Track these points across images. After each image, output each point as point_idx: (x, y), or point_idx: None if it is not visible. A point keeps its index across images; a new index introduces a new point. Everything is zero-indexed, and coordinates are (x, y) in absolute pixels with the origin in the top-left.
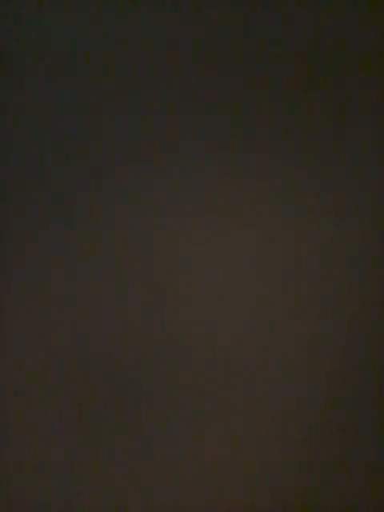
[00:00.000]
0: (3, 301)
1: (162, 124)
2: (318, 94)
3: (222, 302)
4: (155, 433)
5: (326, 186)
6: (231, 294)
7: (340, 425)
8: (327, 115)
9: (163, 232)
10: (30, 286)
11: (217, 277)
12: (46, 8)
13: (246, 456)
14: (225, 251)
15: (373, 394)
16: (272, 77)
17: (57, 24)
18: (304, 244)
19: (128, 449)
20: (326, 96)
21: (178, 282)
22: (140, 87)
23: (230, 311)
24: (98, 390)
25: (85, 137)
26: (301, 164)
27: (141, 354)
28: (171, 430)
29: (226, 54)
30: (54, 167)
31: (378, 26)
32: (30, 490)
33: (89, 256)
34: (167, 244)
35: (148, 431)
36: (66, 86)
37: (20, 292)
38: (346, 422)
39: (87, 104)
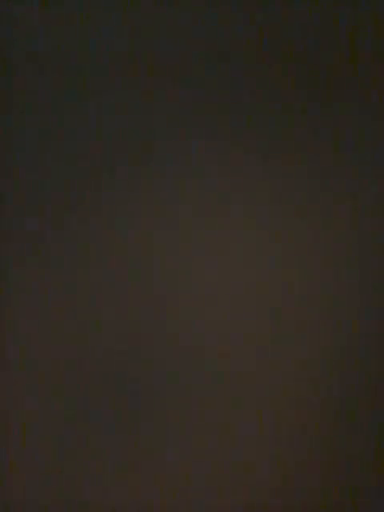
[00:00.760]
0: (3, 301)
1: (162, 124)
2: (318, 94)
3: (222, 302)
4: (155, 433)
5: (327, 186)
6: (231, 294)
7: (340, 425)
8: (327, 115)
9: (163, 232)
10: (30, 285)
11: (217, 277)
12: (47, 8)
13: (246, 456)
14: (225, 251)
15: (373, 394)
16: (272, 77)
17: (57, 24)
18: (304, 244)
19: (128, 449)
20: (326, 96)
21: (179, 282)
22: (140, 87)
23: (231, 311)
24: (98, 390)
25: (85, 137)
26: (301, 164)
27: (141, 354)
28: (171, 430)
29: (226, 54)
30: (53, 168)
31: (378, 25)
32: (29, 489)
33: (89, 256)
34: (167, 244)
35: (148, 431)
36: (66, 86)
37: (20, 292)
38: (346, 422)
39: (87, 104)
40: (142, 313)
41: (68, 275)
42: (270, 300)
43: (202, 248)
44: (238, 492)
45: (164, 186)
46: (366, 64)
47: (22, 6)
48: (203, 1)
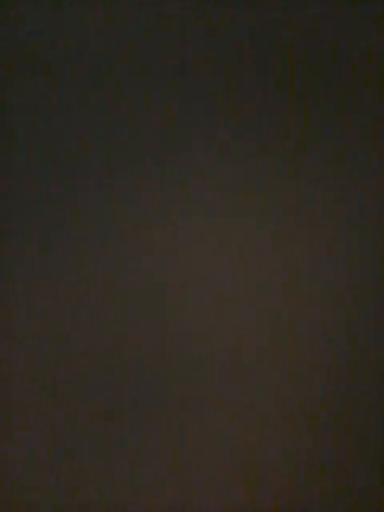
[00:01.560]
0: (4, 301)
1: (162, 124)
2: (318, 93)
3: (222, 302)
4: (155, 432)
5: (327, 186)
6: (232, 294)
7: (340, 425)
8: (328, 115)
9: (163, 232)
10: (30, 285)
11: (217, 277)
12: (47, 8)
13: (246, 456)
14: (225, 251)
15: (373, 394)
16: (272, 77)
17: (57, 23)
18: (304, 244)
19: (128, 448)
20: (326, 96)
21: (179, 282)
22: (141, 87)
23: (231, 311)
24: (98, 389)
25: (85, 137)
26: (301, 164)
27: (141, 354)
28: (171, 430)
29: (226, 54)
30: (53, 168)
31: (378, 25)
32: (29, 490)
33: (89, 256)
34: (167, 244)
35: (148, 431)
36: (66, 86)
37: (20, 292)
38: (346, 422)
39: (88, 104)
40: (142, 312)
41: (68, 275)
42: (271, 300)
43: (202, 248)
44: (238, 492)
45: (164, 186)
46: (366, 64)
47: (22, 6)
48: (203, 1)
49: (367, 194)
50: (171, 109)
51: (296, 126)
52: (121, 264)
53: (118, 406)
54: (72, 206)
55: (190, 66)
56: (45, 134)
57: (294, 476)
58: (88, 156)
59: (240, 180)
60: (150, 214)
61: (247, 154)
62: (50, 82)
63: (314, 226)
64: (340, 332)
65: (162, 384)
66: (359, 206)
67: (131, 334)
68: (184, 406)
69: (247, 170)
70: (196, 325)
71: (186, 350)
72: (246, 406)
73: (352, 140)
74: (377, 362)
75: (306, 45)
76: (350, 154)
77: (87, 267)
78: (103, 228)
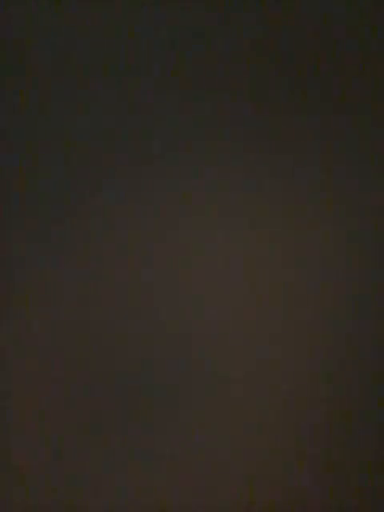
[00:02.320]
0: (4, 301)
1: (162, 124)
2: (318, 93)
3: (222, 302)
4: (155, 432)
5: (327, 186)
6: (232, 294)
7: (340, 424)
8: (328, 115)
9: (163, 232)
10: (30, 285)
11: (217, 277)
12: (47, 8)
13: (246, 456)
14: (225, 251)
15: (373, 395)
16: (271, 77)
17: (57, 23)
18: (304, 244)
19: (128, 449)
20: (326, 96)
21: (179, 282)
22: (141, 87)
23: (231, 311)
24: (98, 389)
25: (85, 137)
26: (301, 164)
27: (141, 354)
28: (171, 430)
29: (226, 54)
30: (53, 168)
31: (378, 26)
32: (29, 490)
33: (89, 256)
34: (168, 244)
35: (148, 431)
36: (66, 86)
37: (20, 292)
38: (346, 423)
39: (88, 104)
40: (142, 312)
41: (68, 275)
42: (270, 300)
43: (202, 248)
44: (238, 492)
45: (164, 186)
46: (366, 64)
47: (22, 6)
48: (203, 0)
49: (367, 193)
50: (171, 109)
51: (296, 125)
52: (121, 264)
53: (117, 405)
54: (72, 206)
55: (191, 66)
56: (45, 134)
57: (294, 476)
58: (88, 156)
59: (240, 180)
60: (150, 214)
61: (247, 155)
62: (50, 82)
63: (314, 226)
64: (341, 332)
65: (162, 384)
66: (359, 206)
67: (131, 334)
68: (184, 406)
69: (247, 171)
70: (196, 325)
71: (186, 350)
72: (247, 405)
73: (352, 140)
74: (377, 362)
75: (306, 44)
76: (350, 154)
77: (87, 267)
78: (103, 228)
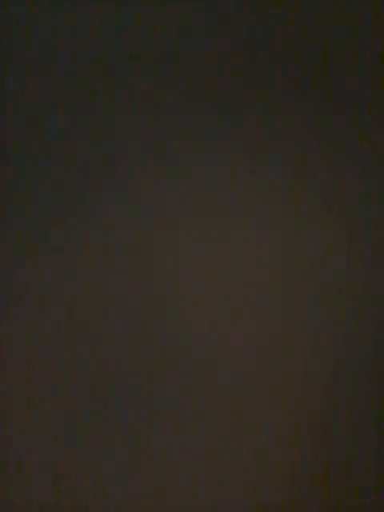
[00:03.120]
0: (4, 301)
1: (162, 124)
2: (318, 93)
3: (222, 303)
4: (155, 433)
5: (327, 186)
6: (231, 295)
7: (340, 424)
8: (327, 115)
9: (163, 232)
10: (30, 285)
11: (217, 277)
12: (47, 8)
13: (245, 456)
14: (225, 252)
15: (372, 395)
16: (272, 76)
17: (57, 23)
18: (304, 244)
19: (128, 449)
20: (326, 96)
21: (179, 283)
22: (141, 87)
23: (231, 312)
24: (98, 389)
25: (85, 137)
26: (301, 164)
27: (141, 354)
28: (171, 431)
29: (226, 54)
30: (53, 168)
31: (378, 26)
32: (29, 490)
33: (89, 256)
34: (168, 244)
35: (148, 431)
36: (66, 86)
37: (20, 292)
38: (346, 423)
39: (88, 104)
40: (142, 312)
41: (67, 276)
42: (270, 300)
43: (202, 248)
44: (238, 492)
45: (164, 186)
46: (366, 64)
47: (22, 6)
48: (203, 0)
49: (367, 193)
50: (171, 109)
51: (296, 125)
52: (121, 264)
53: (117, 406)
54: (72, 206)
55: (191, 66)
56: (45, 134)
57: (294, 476)
58: (87, 156)
59: (240, 180)
60: (150, 214)
61: (247, 155)
62: (50, 82)
63: (314, 226)
64: (340, 331)
65: (162, 384)
66: (359, 206)
67: (131, 334)
68: (184, 407)
69: (247, 171)
70: (196, 325)
71: (186, 350)
72: (246, 406)
73: (352, 140)
74: (377, 362)
75: (306, 44)
76: (350, 154)
77: (87, 267)
78: (103, 228)
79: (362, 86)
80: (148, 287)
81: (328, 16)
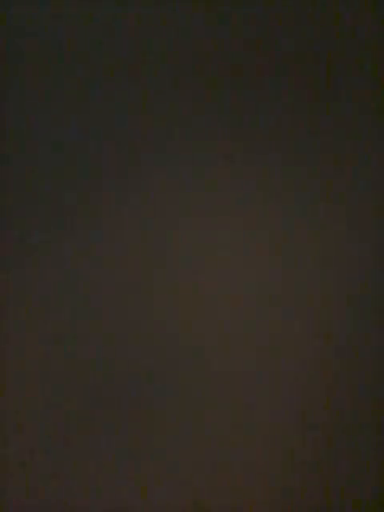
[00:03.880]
0: (3, 301)
1: (162, 124)
2: (318, 93)
3: (222, 302)
4: (155, 433)
5: (327, 187)
6: (231, 295)
7: (340, 424)
8: (328, 115)
9: (163, 232)
10: (30, 285)
11: (217, 277)
12: (47, 8)
13: (245, 456)
14: (225, 251)
15: (374, 394)
16: (272, 77)
17: (57, 23)
18: (304, 244)
19: (128, 449)
20: (326, 96)
21: (178, 282)
22: (141, 87)
23: (231, 311)
24: (98, 389)
25: (85, 137)
26: (301, 164)
27: (141, 354)
28: (171, 431)
29: (226, 54)
30: (54, 168)
31: (378, 25)
32: (29, 490)
33: (89, 256)
34: (167, 244)
35: (148, 431)
36: (66, 86)
37: (19, 292)
38: (346, 422)
39: (88, 104)
40: (142, 312)
41: (67, 276)
42: (270, 300)
43: (202, 248)
44: (237, 492)
45: (164, 186)
46: (366, 64)
47: (22, 6)
48: (203, 0)
49: (367, 194)
50: (171, 109)
51: (296, 126)
52: (120, 264)
53: (118, 406)
54: (72, 206)
55: (191, 67)
56: (45, 134)
57: (294, 476)
58: (87, 156)
59: (240, 180)
60: (149, 214)
61: (247, 155)
62: (50, 82)
63: (314, 226)
64: (341, 332)
65: (161, 384)
66: (359, 205)
67: (131, 334)
68: (184, 407)
69: (247, 171)
70: (196, 325)
71: (186, 350)
72: (246, 406)
73: (352, 139)
74: (377, 362)
75: (306, 44)
76: (350, 154)
77: (87, 267)
78: (103, 228)
79: (363, 86)
80: (148, 287)
81: (328, 16)
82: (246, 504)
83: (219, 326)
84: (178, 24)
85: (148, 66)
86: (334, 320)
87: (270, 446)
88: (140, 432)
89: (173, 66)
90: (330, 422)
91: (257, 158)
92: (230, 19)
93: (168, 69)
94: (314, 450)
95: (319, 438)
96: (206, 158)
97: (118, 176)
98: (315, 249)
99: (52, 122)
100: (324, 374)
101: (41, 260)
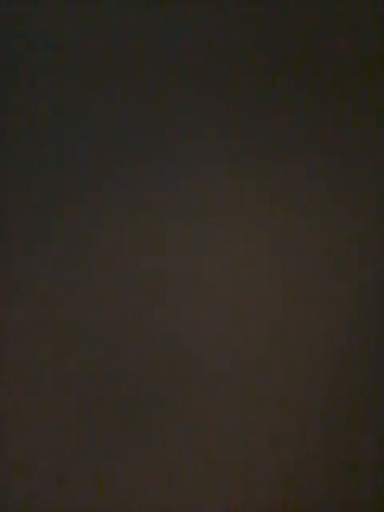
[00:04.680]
0: (4, 300)
1: (162, 124)
2: (318, 93)
3: (222, 302)
4: (155, 433)
5: (327, 186)
6: (231, 294)
7: (340, 424)
8: (328, 115)
9: (163, 232)
10: (29, 285)
11: (217, 277)
12: (47, 8)
13: (246, 456)
14: (225, 251)
15: (374, 394)
16: (272, 77)
17: (57, 23)
18: (304, 244)
19: (128, 449)
20: (327, 96)
21: (179, 282)
22: (141, 87)
23: (231, 311)
24: (99, 390)
25: (85, 136)
26: (301, 164)
27: (141, 354)
28: (171, 431)
29: (225, 54)
30: (54, 168)
31: (378, 25)
32: (29, 490)
33: (89, 256)
34: (167, 244)
35: (148, 431)
36: (66, 86)
37: (19, 292)
38: (346, 422)
39: (87, 104)
40: (142, 312)
41: (67, 276)
42: (270, 300)
43: (202, 248)
44: (237, 492)
45: (164, 186)
46: (366, 64)
47: (22, 6)
48: (204, 0)
49: (367, 193)
50: (170, 108)
51: (295, 125)
52: (120, 264)
53: (118, 406)
54: (71, 206)
55: (189, 66)
56: (45, 134)
57: (294, 476)
58: (87, 156)
59: (240, 180)
60: (149, 214)
61: (247, 155)
62: (50, 82)
63: (314, 226)
64: (340, 332)
65: (162, 385)
66: (359, 205)
67: (131, 335)
68: (184, 407)
69: (247, 171)
70: (196, 325)
71: (186, 350)
72: (247, 406)
73: (352, 140)
74: (377, 362)
75: (306, 44)
76: (350, 154)
77: (87, 267)
78: (103, 228)
79: (363, 86)
80: (148, 286)
81: (328, 16)
82: (246, 504)
83: (219, 326)
84: (178, 24)
85: (148, 65)
86: (334, 320)
87: (270, 445)
88: (140, 432)
89: (173, 66)
90: (329, 422)
91: (257, 158)
92: (231, 19)
93: (168, 69)
94: (314, 450)
95: (319, 437)
96: (206, 157)
97: (117, 176)
98: (315, 249)
99: (52, 122)
100: (324, 373)
101: (41, 260)
